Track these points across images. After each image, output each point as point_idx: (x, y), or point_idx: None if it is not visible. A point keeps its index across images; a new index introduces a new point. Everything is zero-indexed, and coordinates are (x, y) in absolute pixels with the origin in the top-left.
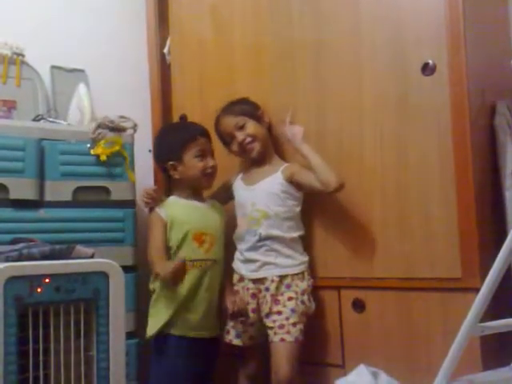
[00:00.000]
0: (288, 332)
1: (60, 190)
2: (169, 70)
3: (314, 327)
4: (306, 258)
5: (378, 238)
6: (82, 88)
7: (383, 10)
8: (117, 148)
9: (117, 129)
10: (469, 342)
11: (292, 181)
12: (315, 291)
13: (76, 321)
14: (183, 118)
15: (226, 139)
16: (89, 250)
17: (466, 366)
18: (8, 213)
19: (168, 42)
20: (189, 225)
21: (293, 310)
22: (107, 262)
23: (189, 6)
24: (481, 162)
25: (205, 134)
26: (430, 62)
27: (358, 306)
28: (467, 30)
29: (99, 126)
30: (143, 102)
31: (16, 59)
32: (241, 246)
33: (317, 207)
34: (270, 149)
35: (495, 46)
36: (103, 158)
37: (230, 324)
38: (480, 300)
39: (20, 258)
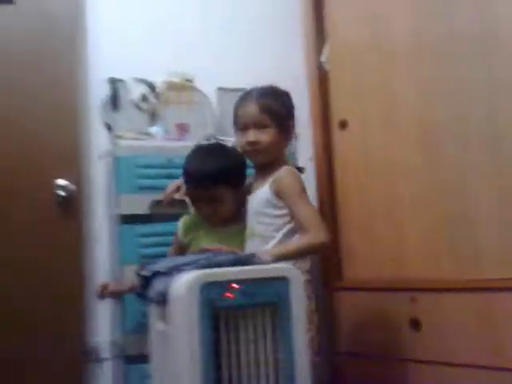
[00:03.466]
0: None
1: None
2: (326, 78)
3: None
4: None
5: None
6: None
7: None
8: None
9: None
10: None
11: (281, 197)
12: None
13: (262, 324)
14: (343, 123)
15: (238, 123)
16: (268, 257)
17: None
18: None
19: (325, 51)
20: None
21: None
22: (288, 268)
23: (344, 12)
24: None
25: (203, 182)
26: None
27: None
28: None
29: None
30: (302, 111)
31: (185, 85)
32: None
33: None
34: (278, 155)
35: None
36: None
37: None
38: None
39: (209, 266)
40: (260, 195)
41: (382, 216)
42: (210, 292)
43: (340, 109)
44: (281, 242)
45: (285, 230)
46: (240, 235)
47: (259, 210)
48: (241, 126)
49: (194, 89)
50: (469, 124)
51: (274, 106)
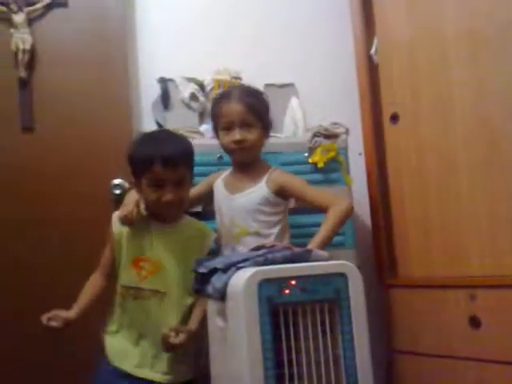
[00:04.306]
0: None
1: None
2: (376, 71)
3: None
4: None
5: None
6: (294, 101)
7: None
8: (332, 154)
9: (331, 136)
10: None
11: (281, 192)
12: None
13: (321, 320)
14: (394, 116)
15: (221, 122)
16: (324, 253)
17: None
18: None
19: (374, 43)
20: (128, 248)
21: None
22: (345, 264)
23: (393, 2)
24: None
25: (166, 161)
26: None
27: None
28: None
29: (315, 135)
30: (351, 106)
31: (234, 82)
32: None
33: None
34: (258, 153)
35: None
36: (320, 164)
37: None
38: None
39: (265, 263)
40: (256, 194)
41: (438, 212)
42: (268, 289)
43: (391, 102)
44: (276, 238)
45: (279, 227)
46: (178, 237)
47: (254, 208)
48: (225, 126)
49: None
50: None
51: (257, 105)
